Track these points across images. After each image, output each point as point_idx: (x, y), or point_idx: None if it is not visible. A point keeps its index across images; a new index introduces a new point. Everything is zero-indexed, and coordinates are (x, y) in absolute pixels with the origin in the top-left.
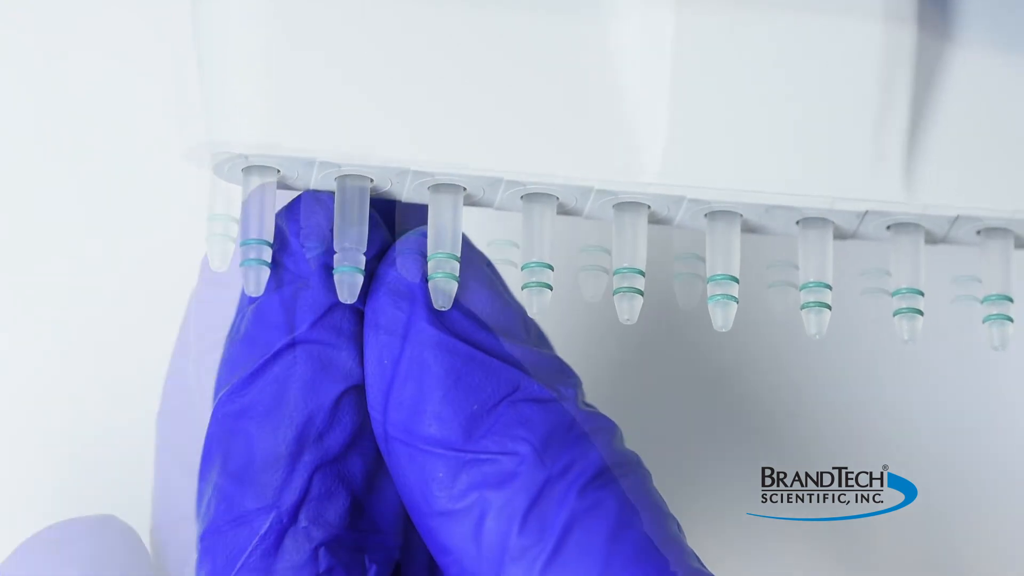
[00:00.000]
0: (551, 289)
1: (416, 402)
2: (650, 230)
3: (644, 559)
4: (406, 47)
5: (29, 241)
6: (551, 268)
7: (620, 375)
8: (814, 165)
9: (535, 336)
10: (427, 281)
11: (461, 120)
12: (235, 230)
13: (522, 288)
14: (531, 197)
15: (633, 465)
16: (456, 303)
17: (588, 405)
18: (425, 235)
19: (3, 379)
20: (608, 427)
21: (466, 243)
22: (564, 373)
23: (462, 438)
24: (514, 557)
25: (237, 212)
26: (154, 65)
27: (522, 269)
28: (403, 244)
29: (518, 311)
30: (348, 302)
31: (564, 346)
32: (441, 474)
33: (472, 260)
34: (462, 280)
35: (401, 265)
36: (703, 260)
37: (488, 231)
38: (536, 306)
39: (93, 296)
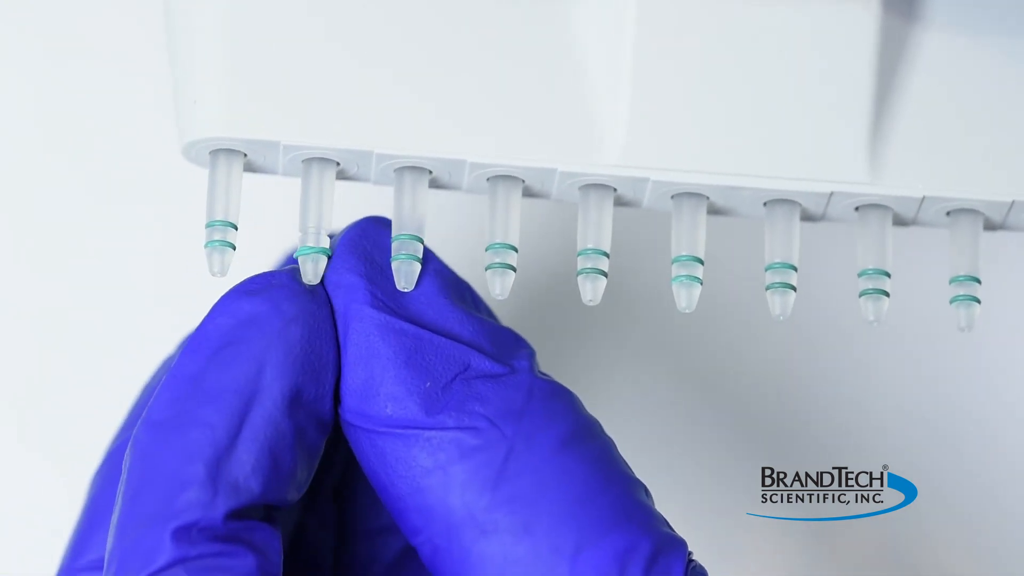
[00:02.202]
0: (514, 271)
1: (368, 386)
2: (649, 233)
3: (616, 526)
4: (370, 30)
5: (29, 240)
6: (515, 250)
7: (620, 375)
8: (778, 146)
9: (484, 310)
10: (370, 268)
11: (425, 103)
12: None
13: (486, 269)
14: (497, 179)
15: (596, 430)
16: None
17: (544, 374)
18: (360, 226)
19: (3, 377)
20: (566, 395)
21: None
22: (517, 344)
23: (419, 415)
24: (485, 531)
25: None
26: (155, 65)
27: (486, 250)
28: (341, 239)
29: (461, 285)
30: (313, 283)
31: (563, 346)
32: (402, 454)
33: None
34: None
35: (337, 260)
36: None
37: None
38: (499, 287)
39: (93, 295)
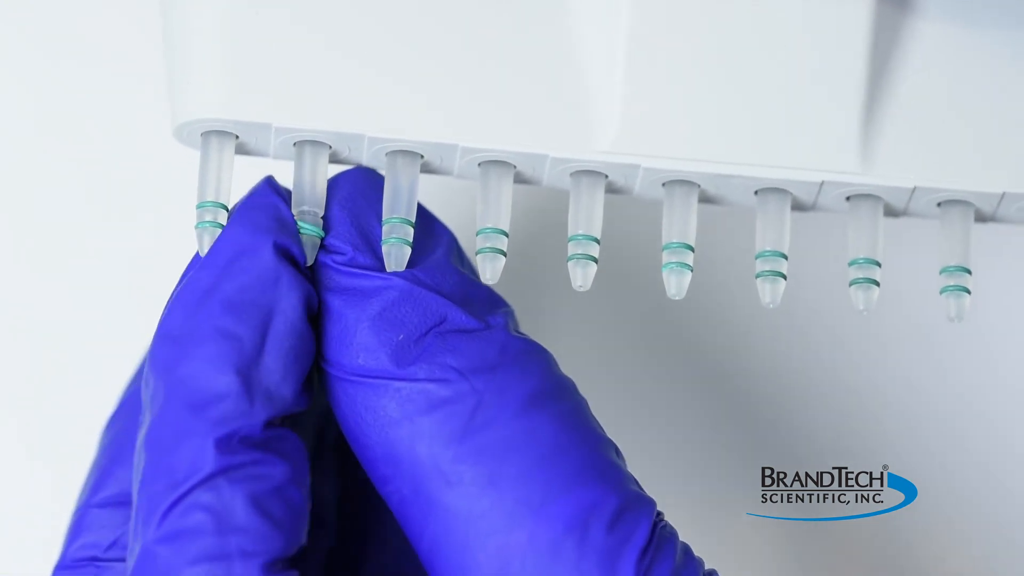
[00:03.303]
0: (505, 255)
1: (344, 336)
2: (645, 226)
3: (583, 482)
4: (363, 14)
5: (29, 240)
6: (506, 235)
7: (620, 375)
8: (769, 135)
9: (467, 265)
10: (353, 223)
11: (417, 87)
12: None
13: (476, 253)
14: (488, 165)
15: (569, 390)
16: (380, 232)
17: (520, 333)
18: (350, 179)
19: (3, 378)
20: (541, 352)
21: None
22: (494, 301)
23: (390, 366)
24: (450, 483)
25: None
26: (155, 65)
27: (477, 235)
28: (329, 194)
29: (449, 242)
30: (308, 263)
31: (563, 346)
32: (372, 403)
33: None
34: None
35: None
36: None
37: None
38: (489, 272)
39: (93, 295)
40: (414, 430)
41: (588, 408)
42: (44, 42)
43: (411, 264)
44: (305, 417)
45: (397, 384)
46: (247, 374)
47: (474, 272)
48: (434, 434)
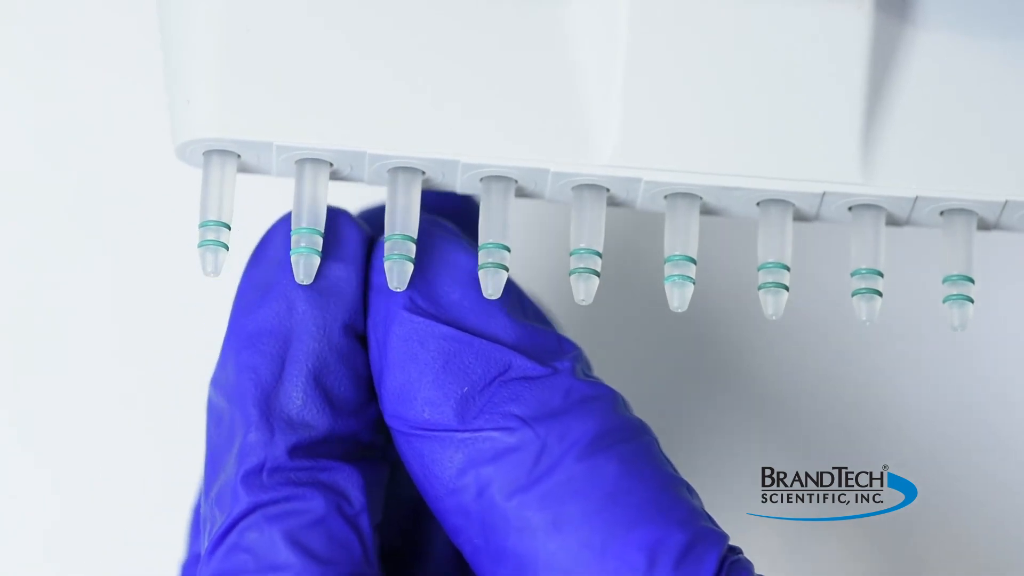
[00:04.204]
0: (507, 270)
1: (407, 390)
2: (647, 238)
3: (647, 521)
4: (363, 31)
5: (28, 240)
6: (508, 249)
7: (620, 376)
8: (770, 146)
9: (532, 313)
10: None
11: (418, 103)
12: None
13: (479, 268)
14: (490, 180)
15: (636, 430)
16: (444, 285)
17: (589, 376)
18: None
19: (2, 377)
20: (607, 395)
21: (440, 224)
22: (561, 347)
23: (455, 420)
24: (517, 529)
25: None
26: (155, 67)
27: (479, 249)
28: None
29: (511, 289)
30: (305, 283)
31: None
32: (438, 455)
33: (458, 240)
34: (449, 261)
35: (381, 262)
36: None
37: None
38: (492, 287)
39: (92, 296)
40: (480, 480)
41: (657, 447)
42: (43, 43)
43: (471, 317)
44: (369, 431)
45: (462, 435)
46: (265, 404)
47: (542, 320)
48: (500, 482)
